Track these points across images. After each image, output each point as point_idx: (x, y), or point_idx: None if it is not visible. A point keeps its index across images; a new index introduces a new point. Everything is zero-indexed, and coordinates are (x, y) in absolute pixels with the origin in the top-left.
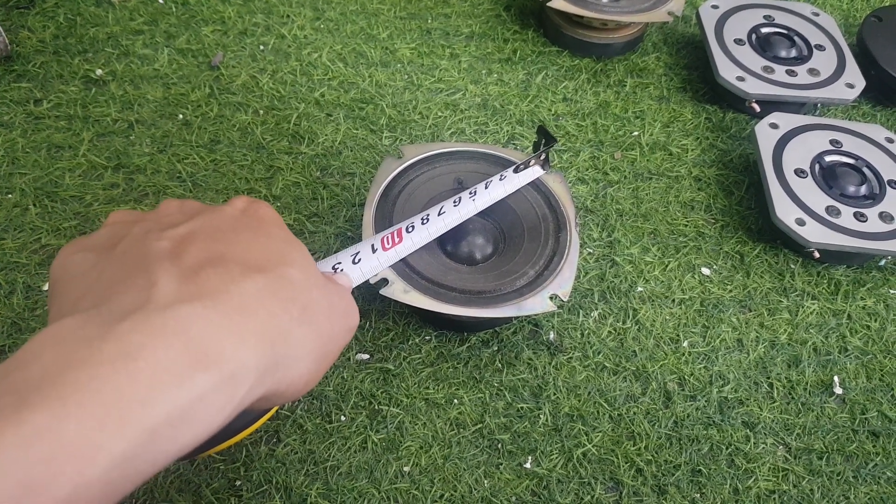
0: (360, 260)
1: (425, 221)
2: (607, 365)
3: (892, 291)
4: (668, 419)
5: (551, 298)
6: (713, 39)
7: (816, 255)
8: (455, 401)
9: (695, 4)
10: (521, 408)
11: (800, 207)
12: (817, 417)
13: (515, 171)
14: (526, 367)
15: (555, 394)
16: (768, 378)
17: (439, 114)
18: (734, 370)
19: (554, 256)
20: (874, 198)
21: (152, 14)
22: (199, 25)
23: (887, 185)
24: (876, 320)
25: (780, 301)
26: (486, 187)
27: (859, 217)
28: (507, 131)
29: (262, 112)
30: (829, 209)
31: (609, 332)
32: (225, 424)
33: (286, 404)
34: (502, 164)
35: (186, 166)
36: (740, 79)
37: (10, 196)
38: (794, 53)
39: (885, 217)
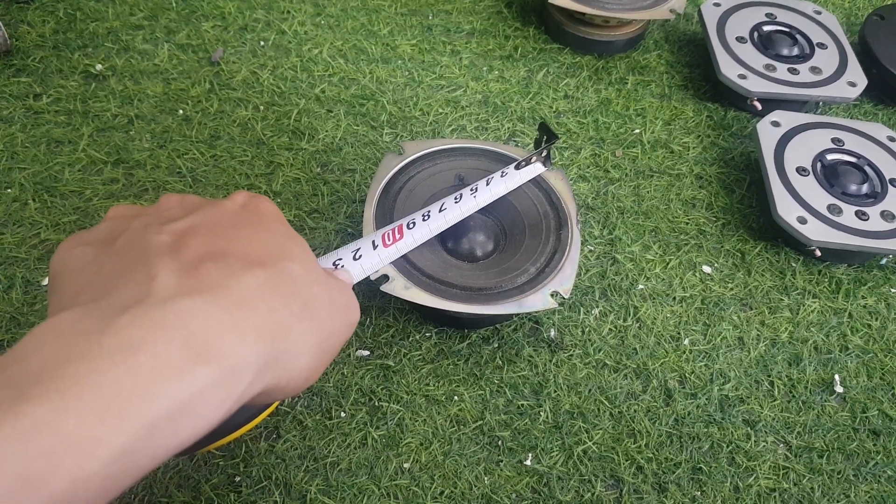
0: (360, 256)
1: (426, 218)
2: (608, 362)
3: (893, 290)
4: (669, 417)
5: (552, 296)
6: (715, 37)
7: (818, 253)
8: (455, 397)
9: (696, 2)
10: (522, 405)
11: (801, 206)
12: (818, 416)
13: (517, 167)
14: (526, 364)
15: (555, 391)
16: (769, 376)
17: (440, 110)
18: (735, 368)
19: (555, 254)
20: (876, 196)
21: (152, 9)
22: (200, 21)
23: (889, 184)
24: (877, 319)
25: (781, 299)
26: (487, 184)
27: (861, 215)
28: (508, 128)
29: (262, 108)
30: (830, 207)
31: (610, 329)
32: (225, 419)
33: (286, 400)
34: (503, 160)
35: (186, 162)
36: (742, 77)
37: (9, 191)
38: (795, 51)
39: (886, 216)
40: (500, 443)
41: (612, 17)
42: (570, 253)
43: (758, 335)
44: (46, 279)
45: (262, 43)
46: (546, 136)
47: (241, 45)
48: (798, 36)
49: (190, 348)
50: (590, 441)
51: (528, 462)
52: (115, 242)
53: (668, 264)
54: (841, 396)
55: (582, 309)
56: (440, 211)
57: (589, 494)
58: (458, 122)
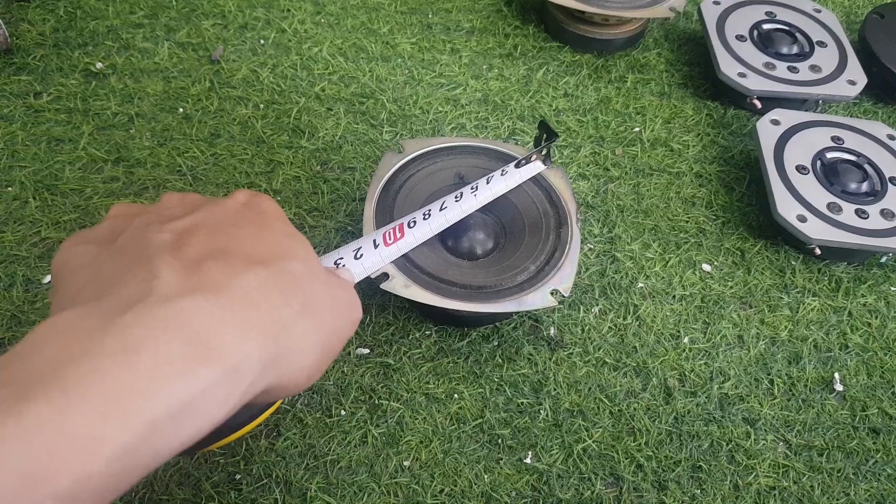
0: (361, 255)
1: (427, 217)
2: (608, 361)
3: (892, 289)
4: (669, 415)
5: (552, 294)
6: (715, 35)
7: (817, 251)
8: (455, 396)
9: (696, 1)
10: (522, 403)
11: (801, 204)
12: (818, 414)
13: (517, 166)
14: (526, 362)
15: (555, 389)
16: (769, 375)
17: (440, 109)
18: (735, 367)
19: (555, 252)
20: (875, 195)
21: (153, 7)
22: (200, 19)
23: (889, 182)
24: (877, 317)
25: (781, 298)
26: (487, 182)
27: (860, 214)
28: (508, 126)
29: (262, 106)
30: (830, 206)
31: (610, 327)
32: (228, 418)
33: (286, 398)
34: (503, 159)
35: (186, 160)
36: (742, 75)
37: (9, 189)
38: (795, 50)
39: (886, 214)
40: (499, 441)
41: (611, 15)
42: (570, 251)
43: (757, 333)
44: (48, 277)
45: (262, 41)
46: (546, 134)
47: (241, 44)
48: (798, 34)
49: (192, 347)
50: (589, 439)
51: (527, 460)
52: (117, 241)
53: (667, 262)
54: (841, 395)
55: (582, 307)
56: (441, 210)
57: (589, 492)
58: (457, 121)
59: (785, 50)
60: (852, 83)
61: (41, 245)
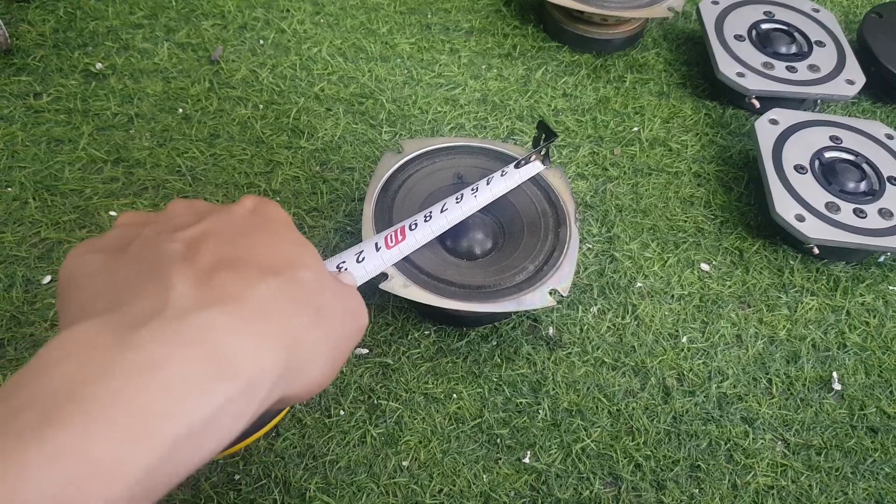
0: (363, 259)
1: (428, 219)
2: (606, 360)
3: (891, 288)
4: (667, 414)
5: (551, 293)
6: (713, 35)
7: (816, 251)
8: (454, 395)
9: (695, 0)
10: (520, 403)
11: (799, 203)
12: (816, 413)
13: (516, 166)
14: (525, 362)
15: (554, 389)
16: (767, 374)
17: (439, 109)
18: (733, 366)
19: (553, 252)
20: (874, 194)
21: (152, 8)
22: (199, 19)
23: (887, 182)
24: (875, 317)
25: (779, 297)
26: (487, 183)
27: (859, 213)
28: (507, 126)
29: (261, 106)
30: (828, 205)
31: (608, 327)
32: (244, 430)
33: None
34: (502, 159)
35: (186, 160)
36: (740, 75)
37: (9, 189)
38: (794, 50)
39: (884, 213)
40: (498, 441)
41: (610, 15)
42: (569, 251)
43: (756, 333)
44: (47, 278)
45: (261, 41)
46: (545, 134)
47: (240, 44)
48: (796, 34)
49: (210, 363)
50: (588, 439)
51: (526, 460)
52: (127, 250)
53: (666, 262)
54: (839, 394)
55: (580, 307)
56: (441, 211)
57: (587, 492)
58: (456, 121)
59: (783, 49)
60: (850, 83)
61: (41, 245)
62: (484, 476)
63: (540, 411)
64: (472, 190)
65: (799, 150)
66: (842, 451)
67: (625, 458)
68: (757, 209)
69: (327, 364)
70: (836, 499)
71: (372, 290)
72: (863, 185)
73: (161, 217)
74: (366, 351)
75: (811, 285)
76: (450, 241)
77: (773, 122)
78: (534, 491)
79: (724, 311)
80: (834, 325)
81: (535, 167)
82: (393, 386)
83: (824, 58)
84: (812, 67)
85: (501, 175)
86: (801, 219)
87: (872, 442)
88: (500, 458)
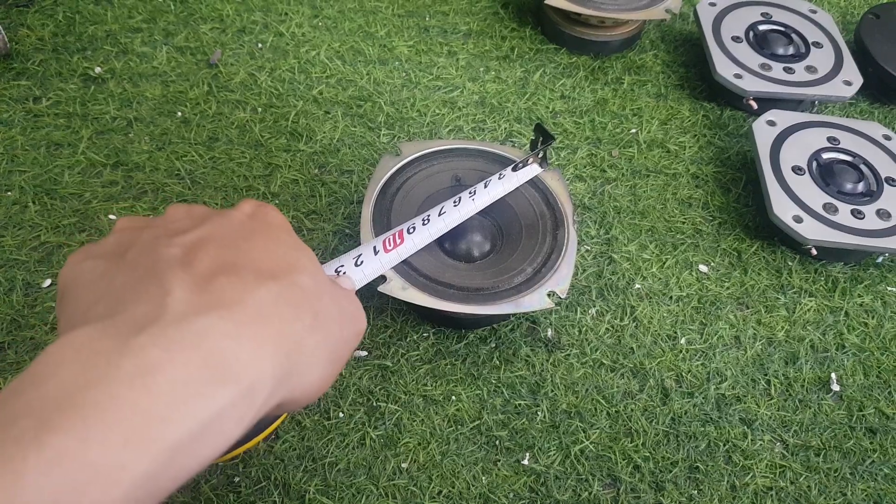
0: (362, 262)
1: (426, 222)
2: (605, 362)
3: (889, 288)
4: (666, 416)
5: (549, 295)
6: (711, 37)
7: (814, 252)
8: (453, 397)
9: (692, 2)
10: (519, 404)
11: (797, 204)
12: (814, 414)
13: (514, 169)
14: (524, 363)
15: (552, 391)
16: (765, 375)
17: (437, 111)
18: (731, 367)
19: (552, 254)
20: (871, 195)
21: (151, 12)
22: (198, 23)
23: (884, 183)
24: (873, 317)
25: (778, 298)
26: (485, 186)
27: (856, 214)
28: (505, 129)
29: (260, 110)
30: (826, 206)
31: (607, 329)
32: (243, 435)
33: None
34: (500, 161)
35: (185, 164)
36: (738, 76)
37: (9, 193)
38: (791, 51)
39: (882, 214)
40: (497, 442)
41: (607, 17)
42: (567, 253)
43: (754, 334)
44: (47, 281)
45: (259, 45)
46: (542, 137)
47: (239, 48)
48: (793, 35)
49: (209, 368)
50: (587, 440)
51: (525, 461)
52: (125, 255)
53: (664, 264)
54: (837, 395)
55: (579, 309)
56: (440, 215)
57: (586, 494)
58: (454, 123)
59: (781, 51)
60: (848, 84)
61: (41, 249)
62: (483, 478)
63: (539, 413)
64: (470, 193)
65: (797, 151)
66: (840, 452)
67: (623, 460)
68: (755, 210)
69: (326, 368)
70: (834, 499)
71: (371, 293)
72: (860, 186)
73: (159, 222)
74: (365, 353)
75: (809, 286)
76: (448, 243)
77: (771, 123)
78: (533, 492)
79: (722, 313)
80: (832, 325)
81: (533, 170)
82: (392, 388)
83: (822, 59)
84: (809, 69)
85: (499, 178)
86: (798, 220)
87: (871, 443)
88: (499, 460)
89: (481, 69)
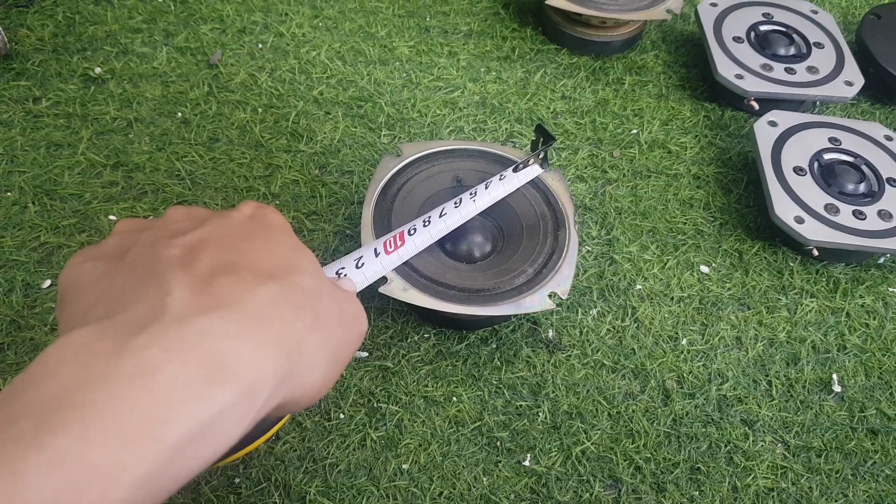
0: (363, 264)
1: (427, 224)
2: (606, 363)
3: (890, 289)
4: (667, 417)
5: (550, 296)
6: (712, 37)
7: (815, 253)
8: (454, 398)
9: (693, 2)
10: (520, 405)
11: (798, 205)
12: (816, 415)
13: (515, 170)
14: (525, 364)
15: (553, 392)
16: (767, 376)
17: (438, 112)
18: (733, 368)
19: (553, 254)
20: (873, 196)
21: (151, 12)
22: (198, 24)
23: (886, 183)
24: (875, 318)
25: (779, 299)
26: (486, 187)
27: (858, 215)
28: (506, 129)
29: (260, 110)
30: (827, 207)
31: (608, 329)
32: (243, 436)
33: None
34: (501, 162)
35: (185, 164)
36: (739, 77)
37: (9, 194)
38: (792, 51)
39: (883, 215)
40: (498, 443)
41: (608, 17)
42: (568, 254)
43: (756, 335)
44: (47, 282)
45: (260, 45)
46: (543, 138)
47: (239, 48)
48: (795, 35)
49: (209, 368)
50: (588, 441)
51: (526, 463)
52: (125, 257)
53: (665, 264)
54: (839, 396)
55: (580, 309)
56: (440, 216)
57: (587, 495)
58: (455, 124)
59: (782, 51)
60: (849, 84)
61: (40, 250)
62: (484, 479)
63: (540, 414)
64: (471, 194)
65: (798, 151)
66: (842, 453)
67: (625, 461)
68: (756, 211)
69: (327, 369)
70: (836, 501)
71: (371, 294)
72: (862, 187)
73: (159, 223)
74: (365, 354)
75: (811, 287)
76: (449, 244)
77: (772, 123)
78: (534, 494)
79: (723, 314)
80: (834, 326)
81: (534, 171)
82: (393, 389)
83: (823, 59)
84: (811, 69)
85: (500, 179)
86: (800, 220)
87: (872, 444)
88: (500, 461)
89: (482, 70)
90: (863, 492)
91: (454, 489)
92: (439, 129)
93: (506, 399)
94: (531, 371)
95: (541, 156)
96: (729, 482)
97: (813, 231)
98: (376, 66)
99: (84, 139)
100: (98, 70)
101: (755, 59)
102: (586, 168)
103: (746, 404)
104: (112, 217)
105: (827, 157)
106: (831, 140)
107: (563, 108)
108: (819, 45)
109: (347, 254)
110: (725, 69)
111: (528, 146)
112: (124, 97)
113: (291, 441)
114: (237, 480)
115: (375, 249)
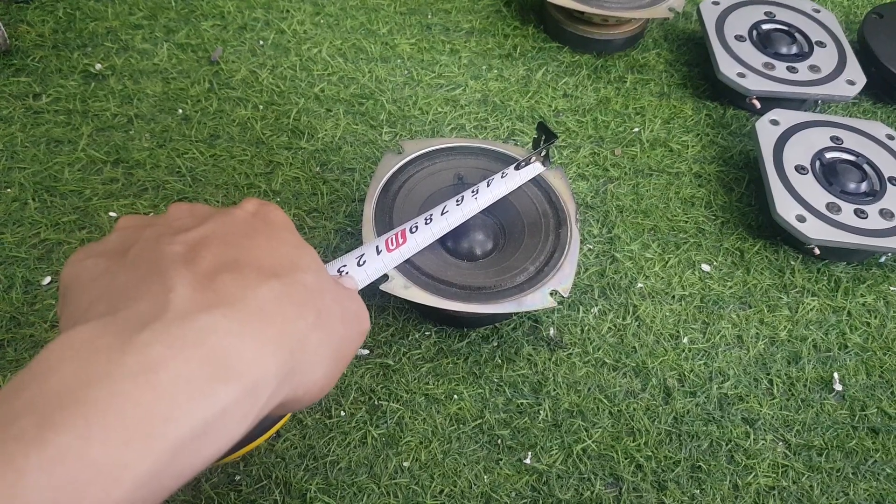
0: (365, 262)
1: (428, 221)
2: (607, 361)
3: (892, 288)
4: (668, 415)
5: (551, 294)
6: (714, 36)
7: (816, 251)
8: (455, 396)
9: (695, 1)
10: (521, 403)
11: (800, 204)
12: (817, 414)
13: (516, 168)
14: (526, 362)
15: (554, 389)
16: (768, 374)
17: (439, 109)
18: (734, 367)
19: (554, 252)
20: (874, 194)
21: (152, 8)
22: (199, 20)
23: (888, 182)
24: (876, 317)
25: (780, 298)
26: (487, 185)
27: (859, 214)
28: (508, 127)
29: (261, 107)
30: (829, 206)
31: (609, 328)
32: (246, 434)
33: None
34: (502, 159)
35: (186, 161)
36: (741, 75)
37: (9, 190)
38: (794, 50)
39: (885, 214)
40: (499, 441)
41: (610, 15)
42: (570, 252)
43: (757, 333)
44: (47, 279)
45: (261, 42)
46: (545, 135)
47: (240, 45)
48: (797, 34)
49: (211, 366)
50: (589, 439)
51: (527, 460)
52: (128, 253)
53: (667, 263)
54: (840, 394)
55: (581, 307)
56: (442, 214)
57: (588, 493)
58: (457, 121)
59: (784, 50)
60: (851, 83)
61: (40, 246)
62: (485, 477)
63: (541, 412)
64: (473, 192)
65: (800, 150)
66: (843, 452)
67: (626, 459)
68: (758, 210)
69: (330, 367)
70: (837, 499)
71: (373, 292)
72: (864, 186)
73: (161, 220)
74: (366, 352)
75: (812, 286)
76: (450, 241)
77: (774, 122)
78: (535, 492)
79: (724, 312)
80: (835, 325)
81: (536, 168)
82: (394, 387)
83: (825, 58)
84: (813, 68)
85: (502, 177)
86: (801, 219)
87: (873, 442)
88: (501, 459)
89: (483, 67)
90: (864, 490)
91: (455, 487)
92: (441, 126)
93: (507, 397)
94: (532, 369)
95: (542, 154)
96: (730, 480)
97: (814, 230)
98: (378, 63)
99: (84, 135)
100: (98, 66)
101: (757, 58)
102: (588, 166)
103: (747, 403)
104: (112, 214)
105: (828, 155)
106: (833, 139)
107: (565, 106)
108: (821, 44)
109: (349, 251)
110: (727, 68)
111: (530, 144)
112: (125, 93)
113: (292, 438)
114: (238, 478)
115: (377, 247)
